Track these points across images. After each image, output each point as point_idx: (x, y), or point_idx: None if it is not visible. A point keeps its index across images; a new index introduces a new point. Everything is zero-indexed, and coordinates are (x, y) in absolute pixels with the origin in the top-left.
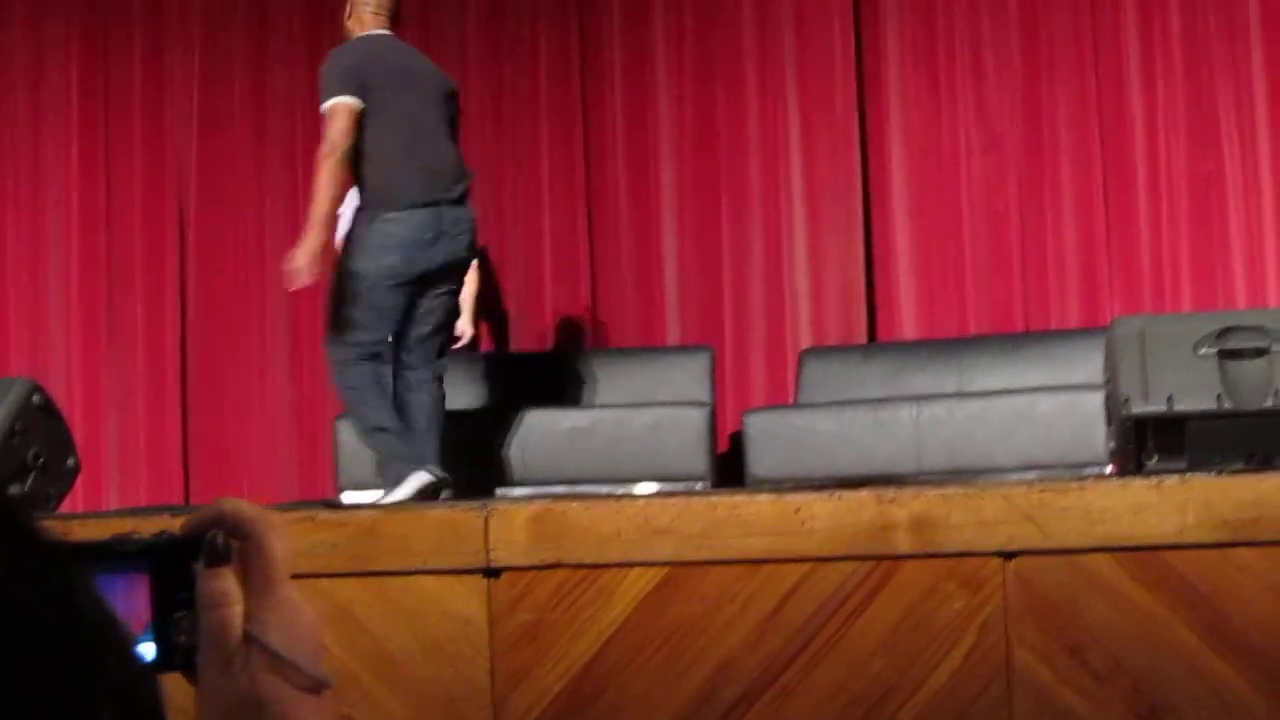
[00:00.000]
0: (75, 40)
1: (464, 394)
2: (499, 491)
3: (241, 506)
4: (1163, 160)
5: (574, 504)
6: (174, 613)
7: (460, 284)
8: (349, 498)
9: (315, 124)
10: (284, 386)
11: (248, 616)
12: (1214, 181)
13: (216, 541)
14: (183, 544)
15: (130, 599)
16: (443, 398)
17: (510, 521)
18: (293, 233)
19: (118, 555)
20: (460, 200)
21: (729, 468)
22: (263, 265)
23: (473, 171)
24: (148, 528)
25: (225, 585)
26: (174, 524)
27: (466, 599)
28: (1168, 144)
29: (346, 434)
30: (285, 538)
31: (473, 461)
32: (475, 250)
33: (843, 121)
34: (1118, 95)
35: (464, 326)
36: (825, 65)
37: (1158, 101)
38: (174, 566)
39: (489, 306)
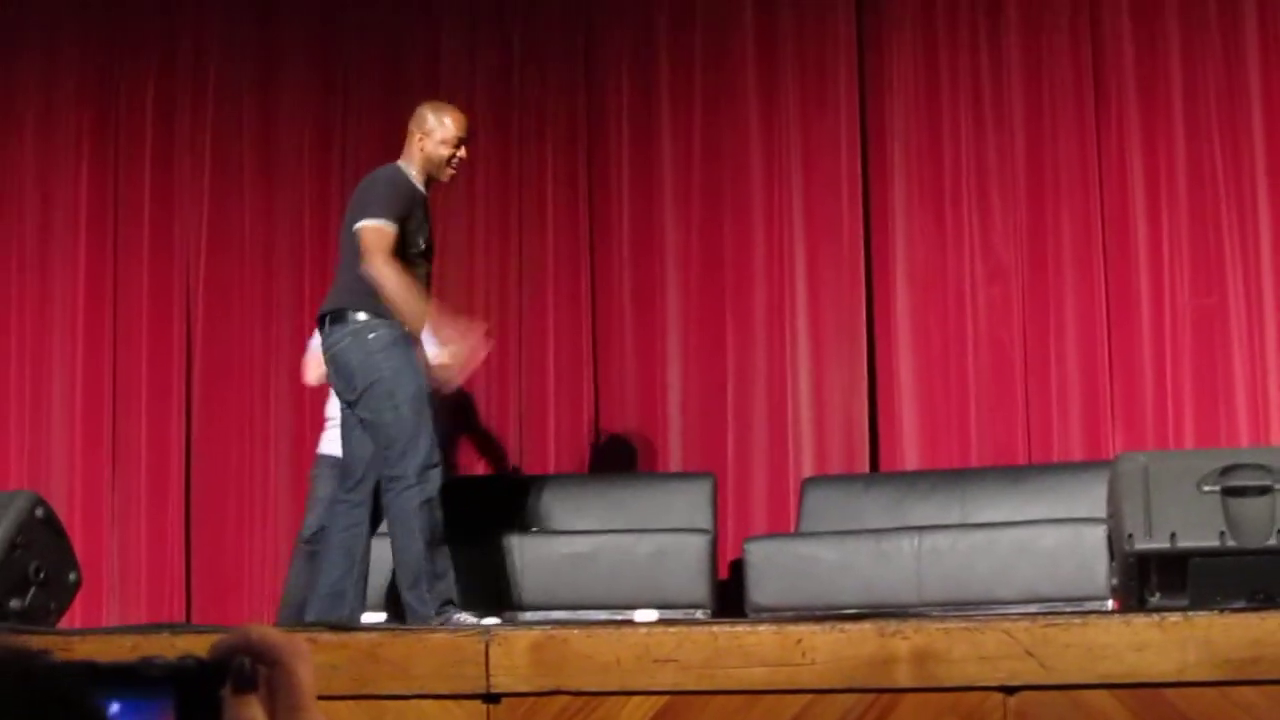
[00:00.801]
0: (85, 154)
1: (467, 517)
2: (500, 617)
3: (269, 633)
4: (1166, 294)
5: (575, 631)
6: None
7: None
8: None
9: (322, 238)
10: (287, 504)
11: None
12: (1218, 316)
13: (244, 668)
14: (209, 669)
15: None
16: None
17: (511, 647)
18: (298, 349)
19: (142, 679)
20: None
21: (729, 596)
22: (267, 381)
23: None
24: (150, 647)
25: (252, 714)
26: (188, 645)
27: None
28: (1171, 277)
29: None
30: (311, 665)
31: (473, 585)
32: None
33: (848, 250)
34: (1122, 227)
35: None
36: (832, 194)
37: (1162, 234)
38: (199, 692)
39: (492, 430)
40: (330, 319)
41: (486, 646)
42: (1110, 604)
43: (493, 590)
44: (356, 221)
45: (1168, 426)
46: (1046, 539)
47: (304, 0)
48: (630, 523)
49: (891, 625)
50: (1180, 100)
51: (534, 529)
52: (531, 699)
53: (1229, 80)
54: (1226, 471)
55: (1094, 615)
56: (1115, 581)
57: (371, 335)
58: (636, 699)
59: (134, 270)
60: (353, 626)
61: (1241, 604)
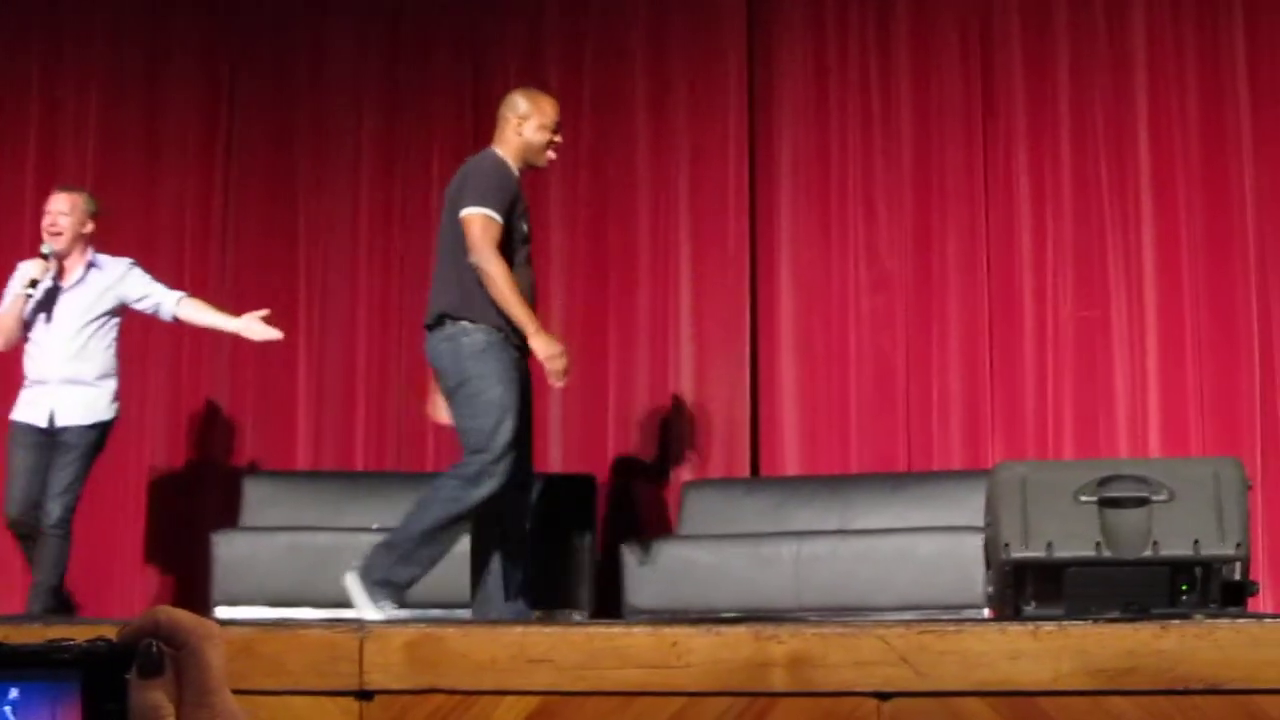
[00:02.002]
0: None
1: (344, 514)
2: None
3: (178, 615)
4: (1049, 305)
5: (451, 629)
6: None
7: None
8: (223, 614)
9: (203, 231)
10: (160, 497)
11: None
12: (1099, 328)
13: (151, 651)
14: (117, 653)
15: (61, 709)
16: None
17: (386, 644)
18: (175, 341)
19: (50, 663)
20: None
21: (607, 597)
22: (144, 372)
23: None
24: (31, 636)
25: (157, 698)
26: (60, 636)
27: None
28: (1055, 289)
29: (223, 548)
30: (222, 648)
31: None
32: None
33: (733, 256)
34: (1007, 238)
35: None
36: (718, 200)
37: (1046, 246)
38: (106, 676)
39: (373, 428)
40: (434, 320)
41: (361, 643)
42: (987, 612)
43: None
44: (460, 210)
45: (1048, 437)
46: (925, 547)
47: None
48: None
49: (767, 629)
50: (1067, 113)
51: None
52: (405, 697)
53: (1115, 94)
54: (1104, 482)
55: (969, 623)
56: (991, 590)
57: (466, 339)
58: (511, 699)
59: (15, 260)
60: (222, 621)
61: (1116, 614)
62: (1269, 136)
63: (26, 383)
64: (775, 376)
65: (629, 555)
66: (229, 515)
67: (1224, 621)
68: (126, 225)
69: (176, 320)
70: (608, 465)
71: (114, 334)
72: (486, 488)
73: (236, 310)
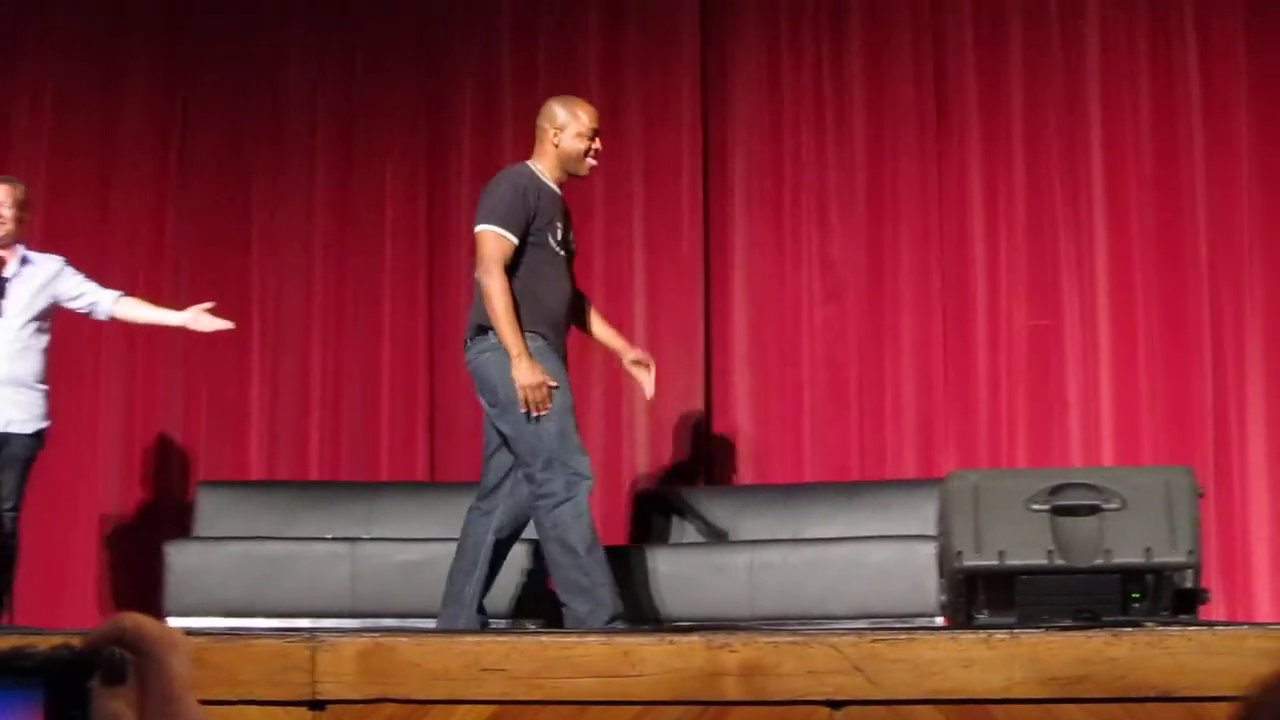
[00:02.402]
0: None
1: (298, 524)
2: (325, 622)
3: (142, 623)
4: (1002, 315)
5: (403, 639)
6: None
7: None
8: (176, 624)
9: (156, 244)
10: (113, 506)
11: None
12: (1052, 338)
13: (114, 659)
14: (81, 660)
15: (24, 715)
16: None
17: (339, 654)
18: (130, 350)
19: (13, 670)
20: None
21: (559, 606)
22: (96, 379)
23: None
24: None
25: (118, 708)
26: (76, 640)
27: None
28: (1008, 299)
29: (176, 557)
30: (187, 656)
31: (303, 594)
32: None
33: (687, 265)
34: (960, 249)
35: None
36: (672, 210)
37: (1000, 256)
38: (70, 683)
39: (325, 436)
40: (472, 333)
41: (313, 653)
42: (940, 620)
43: (322, 597)
44: (475, 225)
45: (1001, 445)
46: (877, 555)
47: (148, 8)
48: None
49: (720, 638)
50: (1020, 124)
51: (366, 536)
52: (358, 706)
53: (1069, 105)
54: (1055, 491)
55: (922, 631)
56: (944, 598)
57: (494, 343)
58: (464, 708)
59: None
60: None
61: (1068, 622)
62: (1220, 145)
63: None
64: (729, 386)
65: None
66: (182, 525)
67: (1175, 629)
68: (79, 237)
69: (113, 319)
70: None
71: (48, 338)
72: (586, 485)
73: None
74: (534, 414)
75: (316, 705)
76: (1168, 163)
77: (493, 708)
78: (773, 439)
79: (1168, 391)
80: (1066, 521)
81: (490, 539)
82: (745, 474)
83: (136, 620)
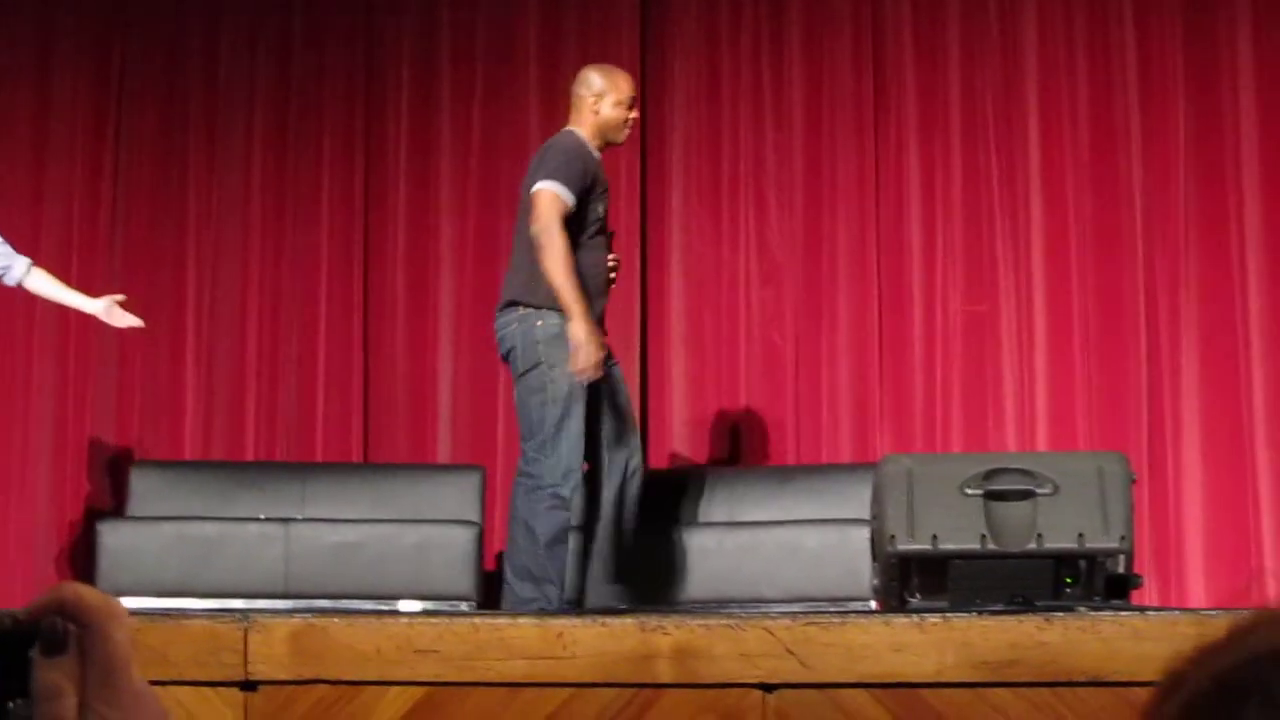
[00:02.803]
0: None
1: (232, 504)
2: (258, 603)
3: (83, 593)
4: (939, 299)
5: (335, 620)
6: (7, 701)
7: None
8: None
9: (90, 225)
10: (46, 486)
11: (86, 707)
12: (988, 323)
13: (55, 629)
14: (20, 630)
15: None
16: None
17: (271, 635)
18: (61, 330)
19: None
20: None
21: (497, 589)
22: (29, 360)
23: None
24: None
25: (56, 679)
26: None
27: (222, 712)
28: (944, 283)
29: (109, 537)
30: (128, 626)
31: (236, 574)
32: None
33: (624, 248)
34: (896, 232)
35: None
36: (610, 192)
37: (936, 241)
38: (9, 653)
39: (261, 416)
40: (502, 305)
41: (246, 634)
42: (874, 604)
43: (257, 578)
44: (532, 185)
45: (936, 430)
46: (812, 539)
47: None
48: (398, 513)
49: (653, 621)
50: (958, 111)
51: (300, 517)
52: (290, 687)
53: (1005, 89)
54: (989, 475)
55: (854, 615)
56: (877, 582)
57: (539, 323)
58: (396, 689)
59: None
60: None
61: (1000, 607)
62: (1157, 132)
63: None
64: (664, 368)
65: None
66: (116, 504)
67: (1107, 615)
68: (13, 213)
69: (22, 287)
70: (497, 457)
71: None
72: (575, 477)
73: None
74: (578, 379)
75: (248, 686)
76: (1104, 150)
77: (425, 689)
78: (708, 422)
79: (1103, 378)
80: (1000, 506)
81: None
82: (680, 457)
83: (77, 590)
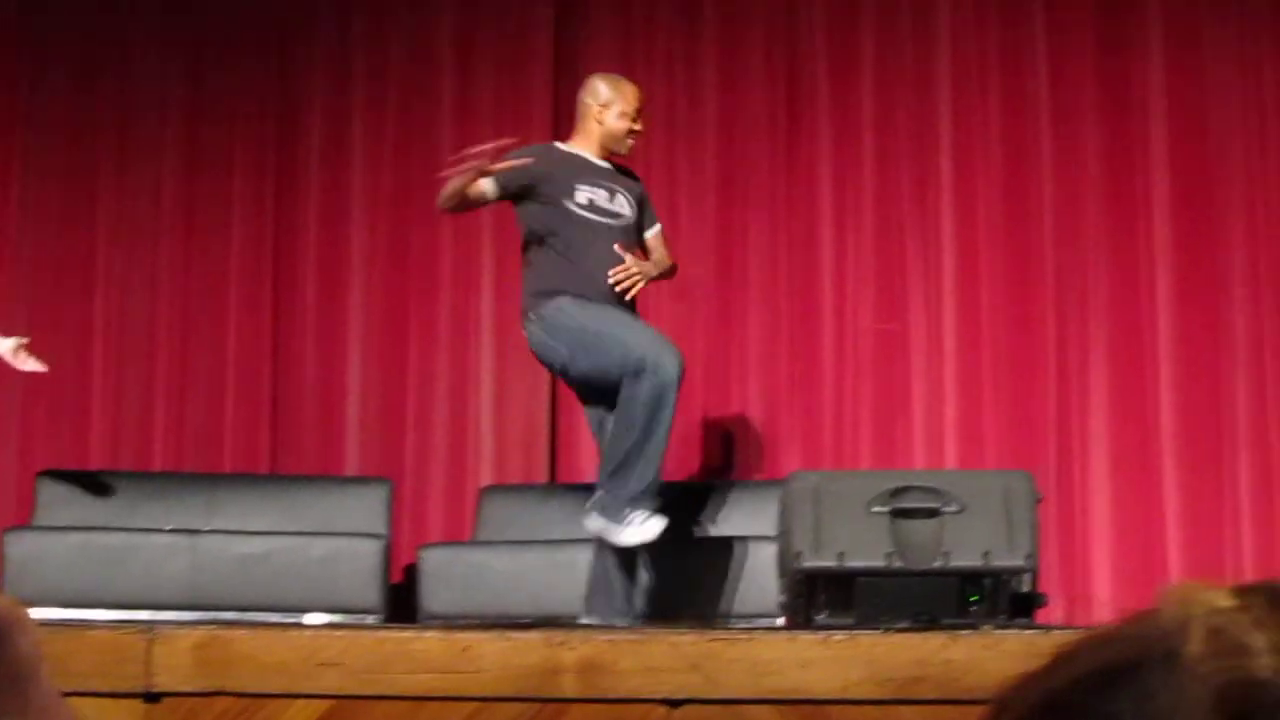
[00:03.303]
0: None
1: (138, 515)
2: (164, 615)
3: None
4: (849, 317)
5: (240, 631)
6: None
7: None
8: None
9: None
10: None
11: None
12: (898, 341)
13: None
14: None
15: None
16: None
17: (174, 646)
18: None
19: None
20: None
21: (403, 602)
22: None
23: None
24: None
25: None
26: None
27: None
28: (855, 302)
29: (15, 547)
30: (34, 633)
31: (142, 585)
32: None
33: None
34: (808, 249)
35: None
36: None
37: (847, 258)
38: None
39: (170, 425)
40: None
41: (149, 644)
42: (782, 621)
43: (159, 588)
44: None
45: (845, 447)
46: (718, 556)
47: None
48: (304, 525)
49: (559, 635)
50: (870, 127)
51: (206, 529)
52: (193, 699)
53: (918, 108)
54: (896, 493)
55: (760, 631)
56: (783, 599)
57: (548, 317)
58: (300, 702)
59: None
60: None
61: (906, 624)
62: (1068, 152)
63: None
64: None
65: (426, 560)
66: (21, 514)
67: (1012, 633)
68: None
69: None
70: (406, 469)
71: None
72: (670, 362)
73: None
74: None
75: (151, 698)
76: (1015, 170)
77: (330, 702)
78: None
79: (1012, 397)
80: (906, 524)
81: None
82: (589, 471)
83: None
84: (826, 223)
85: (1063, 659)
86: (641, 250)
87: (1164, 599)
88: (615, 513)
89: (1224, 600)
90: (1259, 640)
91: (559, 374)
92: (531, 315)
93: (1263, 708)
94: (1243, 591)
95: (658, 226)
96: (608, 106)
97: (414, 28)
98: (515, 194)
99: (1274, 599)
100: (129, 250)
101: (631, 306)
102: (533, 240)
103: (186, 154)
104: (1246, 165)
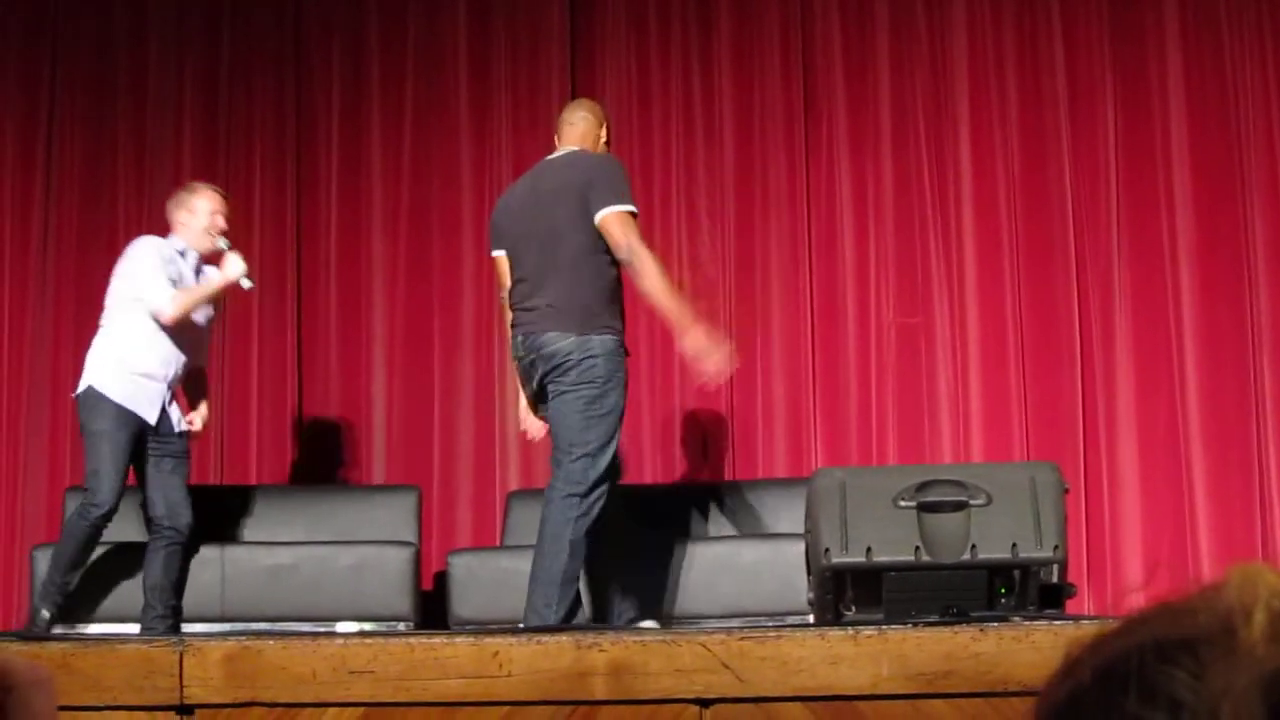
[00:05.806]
0: None
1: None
2: (195, 627)
3: (9, 660)
4: (872, 312)
5: (271, 642)
6: None
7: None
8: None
9: (23, 241)
10: None
11: None
12: (922, 335)
13: None
14: None
15: None
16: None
17: (205, 658)
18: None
19: None
20: None
21: (433, 609)
22: None
23: None
24: None
25: None
26: None
27: None
28: (877, 296)
29: (44, 564)
30: (53, 695)
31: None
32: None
33: None
34: (829, 245)
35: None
36: None
37: (869, 253)
38: None
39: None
40: (545, 330)
41: (180, 657)
42: (812, 618)
43: (190, 601)
44: (595, 212)
45: (871, 443)
46: (748, 554)
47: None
48: (333, 534)
49: (589, 638)
50: (888, 121)
51: (235, 540)
52: (226, 710)
53: (936, 101)
54: (922, 488)
55: (789, 629)
56: (812, 596)
57: (599, 326)
58: (333, 711)
59: None
60: (44, 637)
61: (934, 618)
62: (1087, 143)
63: None
64: None
65: (455, 566)
66: (49, 530)
67: (1041, 624)
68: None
69: None
70: (433, 476)
71: None
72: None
73: (57, 321)
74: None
75: (184, 710)
76: (1035, 162)
77: (361, 710)
78: (644, 438)
79: (1036, 388)
80: (933, 518)
81: None
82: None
83: (5, 657)
84: (847, 217)
85: (1132, 625)
86: None
87: (1229, 578)
88: None
89: None
90: None
91: (557, 377)
92: (593, 326)
93: None
94: None
95: None
96: (602, 126)
97: (429, 35)
98: None
99: None
100: None
101: None
102: (599, 251)
103: (205, 168)
104: (1268, 152)
